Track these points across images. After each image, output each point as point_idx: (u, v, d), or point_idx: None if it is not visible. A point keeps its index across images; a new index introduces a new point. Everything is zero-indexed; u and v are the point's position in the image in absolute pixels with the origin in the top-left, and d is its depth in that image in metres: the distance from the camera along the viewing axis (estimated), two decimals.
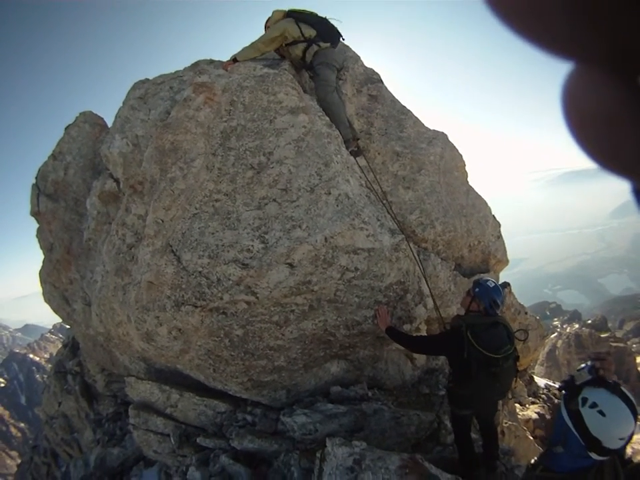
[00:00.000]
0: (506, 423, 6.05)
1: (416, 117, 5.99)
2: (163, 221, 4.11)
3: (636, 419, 1.91)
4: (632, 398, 1.95)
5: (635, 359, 38.32)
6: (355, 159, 4.72)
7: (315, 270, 3.93)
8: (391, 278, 4.33)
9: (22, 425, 35.89)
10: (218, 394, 4.87)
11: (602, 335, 38.70)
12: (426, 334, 5.10)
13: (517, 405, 7.29)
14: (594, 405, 1.90)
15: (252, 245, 3.84)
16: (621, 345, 38.28)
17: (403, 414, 4.48)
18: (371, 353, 4.79)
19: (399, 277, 4.41)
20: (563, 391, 2.00)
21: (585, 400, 1.91)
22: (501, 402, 4.18)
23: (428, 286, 4.73)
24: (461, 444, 4.25)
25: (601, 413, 1.88)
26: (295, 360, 4.42)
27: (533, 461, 2.59)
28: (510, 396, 5.73)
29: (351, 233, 3.91)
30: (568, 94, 0.29)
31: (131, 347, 4.93)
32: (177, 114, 4.27)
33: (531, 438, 6.85)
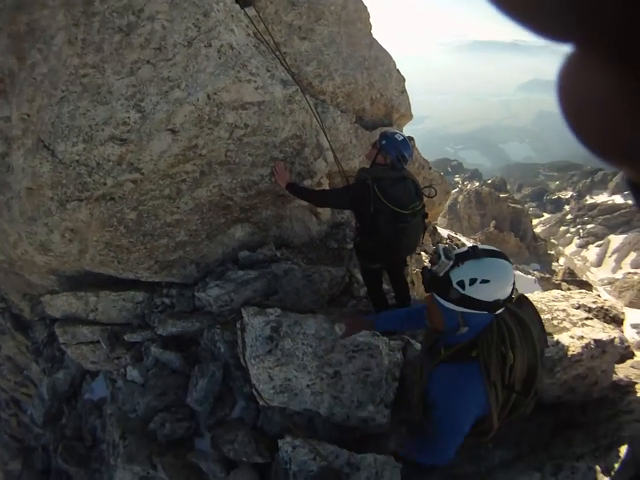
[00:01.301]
0: (414, 271, 6.42)
1: None
2: (29, 116, 3.54)
3: (505, 258, 1.94)
4: (484, 246, 1.98)
5: (530, 221, 42.38)
6: (242, 8, 4.19)
7: (200, 132, 3.60)
8: (285, 132, 4.09)
9: None
10: (132, 284, 4.69)
11: (501, 195, 42.00)
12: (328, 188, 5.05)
13: (423, 253, 7.73)
14: (473, 281, 1.85)
15: (128, 117, 3.40)
16: (519, 206, 41.91)
17: (314, 271, 4.52)
18: (273, 212, 4.71)
19: (295, 131, 4.18)
20: (433, 293, 1.94)
21: (461, 283, 1.85)
22: (409, 257, 4.30)
23: (327, 139, 4.55)
24: (374, 296, 4.39)
25: (484, 281, 1.85)
26: (197, 231, 4.25)
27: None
28: (417, 250, 6.00)
29: (237, 86, 3.55)
30: (564, 79, 0.28)
31: (34, 264, 4.52)
32: None
33: None
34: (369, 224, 3.68)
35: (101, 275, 4.53)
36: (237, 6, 3.99)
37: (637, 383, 3.88)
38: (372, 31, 6.05)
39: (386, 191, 3.49)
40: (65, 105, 3.46)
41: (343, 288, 4.77)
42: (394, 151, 3.61)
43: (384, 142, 3.65)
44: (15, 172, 3.77)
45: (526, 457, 3.38)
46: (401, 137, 3.67)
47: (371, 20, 5.99)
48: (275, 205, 4.63)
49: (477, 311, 1.89)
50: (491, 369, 1.99)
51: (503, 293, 1.89)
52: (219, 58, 3.49)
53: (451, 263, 1.86)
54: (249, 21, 4.10)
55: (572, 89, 0.28)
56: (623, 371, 4.08)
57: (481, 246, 1.97)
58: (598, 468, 3.18)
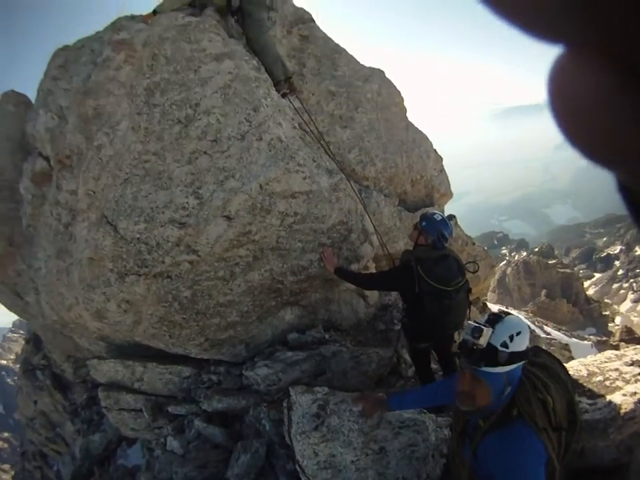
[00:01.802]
0: None
1: (350, 55, 5.83)
2: (94, 192, 3.89)
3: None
4: (494, 311, 2.10)
5: (582, 284, 40.73)
6: (289, 100, 4.56)
7: (253, 219, 3.83)
8: (332, 219, 4.27)
9: (5, 434, 34.48)
10: (180, 359, 4.80)
11: (549, 262, 40.76)
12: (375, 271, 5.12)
13: None
14: (511, 338, 1.93)
15: (187, 202, 3.70)
16: (568, 270, 40.52)
17: (362, 352, 4.53)
18: (322, 295, 4.79)
19: (341, 217, 4.36)
20: (477, 368, 1.99)
21: (504, 344, 1.92)
22: (456, 333, 4.29)
23: (372, 223, 4.70)
24: (422, 376, 4.33)
25: (518, 333, 1.95)
26: (248, 313, 4.37)
27: None
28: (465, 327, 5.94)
29: (287, 177, 3.81)
30: (555, 80, 0.27)
31: (86, 329, 4.74)
32: (97, 77, 3.97)
33: None
34: (415, 303, 3.73)
35: (150, 348, 4.65)
36: (284, 100, 4.36)
37: None
38: (407, 114, 6.33)
39: (429, 270, 3.58)
40: (128, 187, 3.79)
41: (391, 369, 4.75)
42: (434, 231, 3.73)
43: (424, 223, 3.79)
44: (78, 242, 4.03)
45: None
46: (440, 217, 3.79)
47: (405, 103, 6.32)
48: (324, 288, 4.72)
49: (519, 363, 1.96)
50: (536, 418, 1.99)
51: (528, 341, 2.01)
52: (269, 150, 3.80)
53: (491, 330, 1.91)
54: (294, 112, 4.43)
55: (563, 90, 0.27)
56: None
57: (492, 311, 2.09)
58: None
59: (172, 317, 4.13)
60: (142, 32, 4.13)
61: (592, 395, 3.57)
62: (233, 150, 3.77)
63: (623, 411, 3.30)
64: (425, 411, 3.59)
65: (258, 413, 4.21)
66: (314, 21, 5.83)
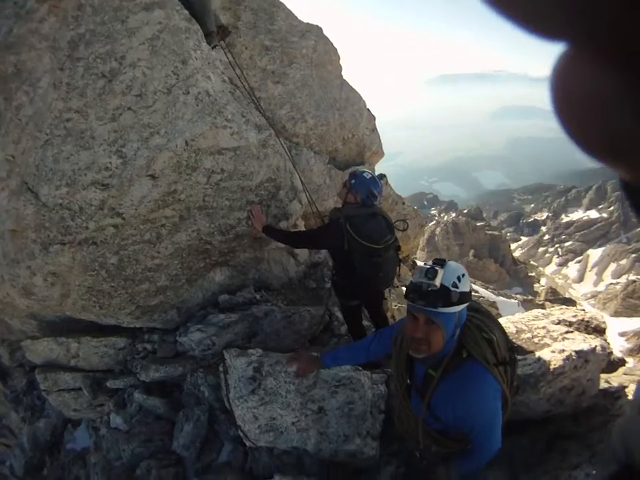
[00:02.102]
0: (396, 306, 6.47)
1: (289, 10, 5.61)
2: (14, 157, 3.56)
3: None
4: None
5: (509, 246, 43.08)
6: (225, 53, 4.35)
7: (179, 178, 3.67)
8: (260, 176, 4.18)
9: None
10: (114, 330, 4.64)
11: (477, 224, 42.76)
12: (304, 229, 5.11)
13: (404, 287, 7.81)
14: (459, 278, 1.99)
15: (110, 162, 3.46)
16: (496, 232, 42.68)
17: (294, 312, 4.56)
18: (251, 255, 4.74)
19: (270, 174, 4.28)
20: (435, 308, 1.94)
21: (455, 284, 1.97)
22: (387, 290, 4.37)
23: (301, 181, 4.65)
24: (355, 333, 4.44)
25: (463, 275, 2.02)
26: (177, 276, 4.25)
27: None
28: (396, 282, 6.10)
29: (214, 132, 3.65)
30: (558, 77, 0.27)
31: (16, 308, 4.44)
32: (18, 30, 3.52)
33: None
34: (345, 261, 3.76)
35: (82, 321, 4.48)
36: (214, 53, 4.13)
37: (626, 387, 3.93)
38: (342, 73, 6.25)
39: (358, 228, 3.58)
40: (49, 148, 3.50)
41: (324, 326, 4.80)
42: (363, 189, 3.71)
43: (353, 181, 3.76)
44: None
45: (521, 475, 3.38)
46: (369, 175, 3.78)
47: (341, 62, 6.22)
48: (253, 247, 4.67)
49: (466, 304, 2.01)
50: (487, 356, 2.07)
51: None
52: (197, 105, 3.60)
53: (443, 270, 1.94)
54: (226, 66, 4.24)
55: (565, 88, 0.27)
56: (616, 379, 4.14)
57: (435, 258, 2.12)
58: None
59: (100, 286, 3.94)
60: None
61: (521, 351, 3.77)
62: (159, 105, 3.54)
63: (552, 367, 3.52)
64: (360, 368, 3.67)
65: (195, 380, 4.16)
66: None
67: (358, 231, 3.58)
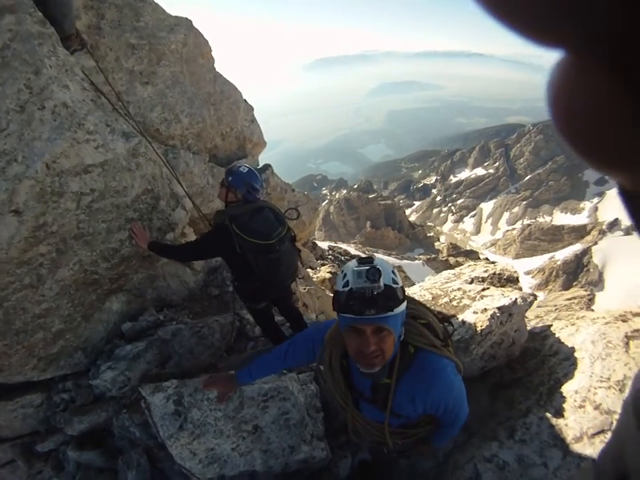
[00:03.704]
0: (305, 289, 6.40)
1: (156, 4, 5.18)
2: None
3: None
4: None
5: (403, 212, 45.37)
6: (93, 57, 3.94)
7: (46, 208, 3.19)
8: (135, 189, 3.81)
9: None
10: (27, 387, 4.11)
11: (369, 196, 44.43)
12: (194, 237, 4.81)
13: (309, 270, 7.78)
14: (394, 273, 1.81)
15: None
16: (389, 202, 44.67)
17: (202, 325, 4.34)
18: (144, 274, 4.38)
19: (145, 185, 3.92)
20: (389, 312, 1.70)
21: (395, 280, 1.77)
22: (293, 283, 4.22)
23: (181, 186, 4.35)
24: (269, 333, 4.27)
25: (394, 269, 1.85)
26: (70, 316, 3.80)
27: None
28: (300, 273, 6.03)
29: (76, 149, 3.20)
30: (556, 85, 0.27)
31: None
32: None
33: (331, 294, 7.52)
34: (241, 264, 3.54)
35: None
36: (72, 58, 3.64)
37: (551, 326, 4.13)
38: (215, 65, 6.00)
39: (245, 226, 3.37)
40: None
41: (237, 333, 4.61)
42: (242, 185, 3.50)
43: (230, 178, 3.55)
44: None
45: (477, 431, 3.45)
46: (246, 169, 3.57)
47: (212, 54, 5.95)
48: (144, 267, 4.32)
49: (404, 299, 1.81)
50: (433, 342, 1.97)
51: None
52: (54, 120, 3.13)
53: (381, 269, 1.70)
54: (85, 73, 3.79)
55: (564, 95, 0.27)
56: (532, 313, 4.33)
57: (359, 257, 1.90)
58: (548, 414, 3.34)
59: None
60: None
61: (443, 317, 3.85)
62: (13, 126, 3.00)
63: (479, 328, 3.58)
64: (285, 371, 3.53)
65: (122, 422, 3.84)
66: None
67: (245, 229, 3.36)
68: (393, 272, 1.76)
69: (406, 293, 1.86)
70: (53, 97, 3.16)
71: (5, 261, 3.15)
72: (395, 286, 1.71)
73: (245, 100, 6.49)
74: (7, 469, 4.30)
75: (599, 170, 0.29)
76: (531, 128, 72.72)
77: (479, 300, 3.99)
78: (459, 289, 4.30)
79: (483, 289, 4.17)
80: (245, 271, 3.56)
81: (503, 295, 3.93)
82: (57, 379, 4.21)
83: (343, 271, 1.79)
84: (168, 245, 4.06)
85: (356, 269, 1.70)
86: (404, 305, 1.77)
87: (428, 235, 42.26)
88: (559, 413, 3.28)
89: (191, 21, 5.58)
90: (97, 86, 3.87)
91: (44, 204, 3.17)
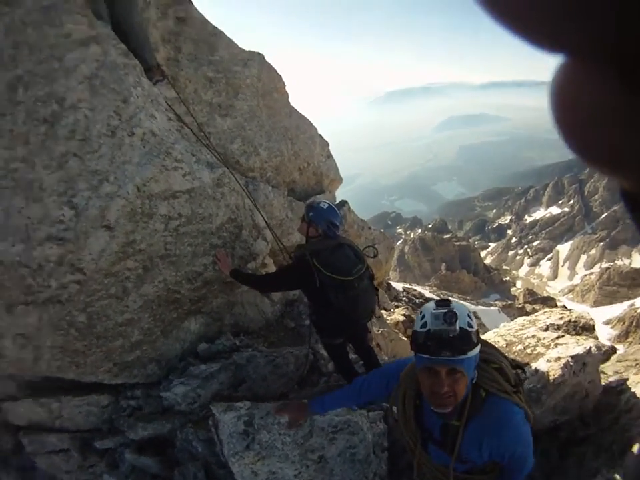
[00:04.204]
0: (378, 330, 6.32)
1: (229, 38, 5.54)
2: None
3: None
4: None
5: (479, 254, 43.97)
6: (171, 86, 4.23)
7: (135, 227, 3.47)
8: (220, 217, 4.02)
9: None
10: (96, 387, 4.34)
11: (444, 237, 43.51)
12: (274, 268, 4.94)
13: (383, 311, 7.68)
14: (470, 317, 1.86)
15: (62, 214, 3.23)
16: (464, 243, 43.52)
17: (277, 355, 4.39)
18: (224, 300, 4.53)
19: (229, 214, 4.12)
20: (463, 354, 1.78)
21: (470, 324, 1.82)
22: (369, 322, 4.21)
23: (262, 217, 4.50)
24: (342, 370, 4.24)
25: (470, 312, 1.89)
26: (150, 329, 4.03)
27: None
28: (377, 312, 5.97)
29: (165, 175, 3.48)
30: (558, 88, 0.28)
31: None
32: None
33: (405, 338, 7.33)
34: (320, 299, 3.57)
35: (62, 380, 4.17)
36: (156, 89, 3.98)
37: (627, 380, 3.85)
38: (289, 100, 6.22)
39: (326, 262, 3.41)
40: None
41: (310, 366, 4.62)
42: (322, 221, 3.57)
43: (311, 214, 3.62)
44: None
45: None
46: (326, 205, 3.64)
47: (287, 88, 6.19)
48: (225, 292, 4.47)
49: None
50: (505, 388, 1.96)
51: None
52: (143, 147, 3.43)
53: (457, 312, 1.78)
54: (169, 103, 4.11)
55: (565, 98, 0.27)
56: (611, 368, 4.07)
57: (437, 299, 1.96)
58: (617, 477, 3.11)
59: (73, 346, 3.69)
60: (3, 16, 3.54)
61: (517, 364, 3.72)
62: (104, 149, 3.34)
63: (552, 378, 3.43)
64: (356, 408, 3.51)
65: (187, 435, 3.92)
66: (191, 1, 5.43)
67: (326, 265, 3.41)
68: (468, 315, 1.81)
69: (480, 337, 1.90)
70: (141, 125, 3.49)
71: (94, 270, 3.44)
72: (470, 329, 1.77)
73: (320, 135, 6.65)
74: (61, 456, 4.49)
75: (602, 172, 0.29)
76: None
77: (553, 348, 3.83)
78: (533, 336, 4.15)
79: (558, 337, 4.00)
80: (324, 305, 3.59)
81: (577, 343, 3.75)
82: (127, 385, 4.40)
83: (421, 312, 1.86)
84: (249, 273, 4.20)
85: (434, 311, 1.78)
86: (478, 348, 1.81)
87: (504, 279, 40.59)
88: None
89: (263, 56, 5.86)
90: (179, 116, 4.18)
91: (134, 223, 3.46)
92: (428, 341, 1.75)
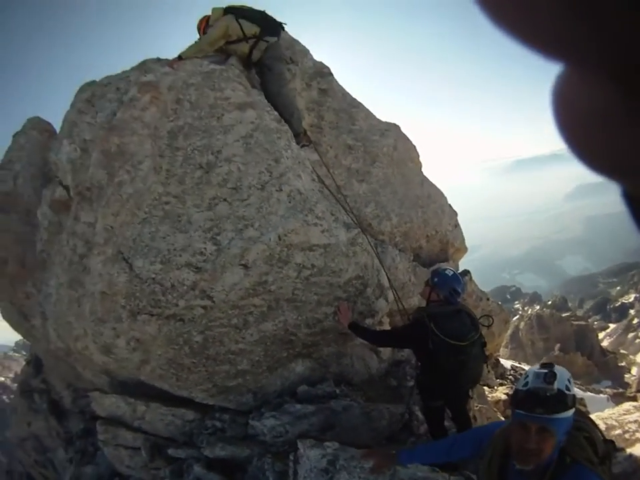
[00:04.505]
0: (476, 407, 6.15)
1: (367, 110, 6.00)
2: (112, 228, 3.95)
3: None
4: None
5: (596, 335, 40.05)
6: (316, 152, 4.67)
7: (270, 270, 3.85)
8: (349, 273, 4.28)
9: None
10: (184, 402, 4.72)
11: (563, 315, 40.20)
12: (389, 327, 5.08)
13: (485, 387, 7.40)
14: (569, 381, 1.92)
15: (204, 248, 3.74)
16: (583, 322, 39.90)
17: (373, 408, 4.46)
18: (334, 349, 4.75)
19: (358, 272, 4.37)
20: (555, 414, 1.85)
21: (567, 387, 1.88)
22: (472, 389, 4.21)
23: (388, 278, 4.71)
24: (435, 433, 4.24)
25: (570, 377, 1.93)
26: (259, 362, 4.33)
27: None
28: (481, 381, 5.84)
29: (305, 229, 3.85)
30: (558, 95, 0.28)
31: (91, 361, 4.69)
32: (122, 115, 4.10)
33: (503, 419, 7.00)
34: (429, 360, 3.69)
35: (154, 388, 4.59)
36: (303, 153, 4.45)
37: None
38: (422, 169, 6.46)
39: (442, 325, 3.55)
40: (146, 226, 3.83)
41: (403, 425, 4.64)
42: (446, 288, 3.73)
43: (436, 279, 3.80)
44: (92, 274, 4.03)
45: None
46: (452, 273, 3.81)
47: (420, 158, 6.44)
48: (337, 342, 4.68)
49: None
50: (591, 458, 1.95)
51: None
52: (289, 202, 3.85)
53: (558, 374, 1.86)
54: (313, 165, 4.53)
55: (566, 105, 0.28)
56: None
57: (541, 362, 2.05)
58: None
59: (181, 360, 4.10)
60: (168, 76, 4.27)
61: (610, 442, 3.50)
62: (253, 199, 3.83)
63: None
64: (437, 469, 3.47)
65: (262, 464, 4.06)
66: (332, 74, 6.01)
67: (442, 329, 3.54)
68: (568, 380, 1.87)
69: (576, 403, 1.93)
70: (289, 183, 3.93)
71: (223, 300, 3.85)
72: (567, 392, 1.83)
73: (449, 205, 6.79)
74: (128, 451, 4.81)
75: (603, 175, 0.29)
76: None
77: None
78: (635, 421, 3.86)
79: None
80: (432, 366, 3.71)
81: None
82: (217, 407, 4.67)
83: (526, 372, 1.97)
84: (367, 327, 4.39)
85: (537, 370, 1.89)
86: (571, 412, 1.85)
87: (619, 364, 36.38)
88: None
89: (399, 127, 6.19)
90: (321, 178, 4.57)
91: (270, 266, 3.85)
92: (524, 398, 1.84)
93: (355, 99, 5.93)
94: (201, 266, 3.72)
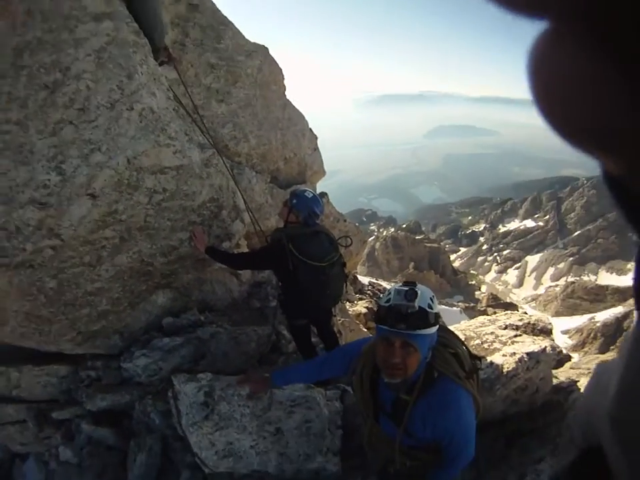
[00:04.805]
0: (340, 320, 6.53)
1: (237, 29, 5.61)
2: None
3: None
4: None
5: (448, 257, 44.58)
6: (177, 70, 4.30)
7: (120, 197, 3.53)
8: (203, 196, 4.12)
9: None
10: (55, 357, 4.37)
11: (416, 237, 44.00)
12: (247, 249, 5.09)
13: (347, 302, 7.87)
14: (432, 299, 2.01)
15: (48, 179, 3.25)
16: (435, 245, 44.05)
17: (240, 332, 4.51)
18: (194, 276, 4.63)
19: (212, 194, 4.23)
20: (416, 330, 1.92)
21: (430, 305, 1.98)
22: (335, 306, 4.40)
23: (244, 200, 4.64)
24: (304, 351, 4.43)
25: (433, 297, 2.04)
26: (118, 300, 4.08)
27: None
28: (343, 299, 6.16)
29: (157, 150, 3.56)
30: (537, 57, 0.25)
31: None
32: None
33: (365, 330, 7.59)
34: (291, 281, 3.76)
35: (23, 349, 4.20)
36: (160, 69, 4.04)
37: (578, 381, 4.12)
38: (286, 93, 6.34)
39: (301, 247, 3.61)
40: None
41: (271, 346, 4.78)
42: (305, 209, 3.77)
43: (294, 201, 3.81)
44: None
45: (487, 472, 3.46)
46: (311, 194, 3.84)
47: (285, 82, 6.31)
48: (196, 269, 4.57)
49: (438, 325, 2.01)
50: (457, 372, 2.11)
51: None
52: (140, 122, 3.50)
53: (419, 292, 1.93)
54: (170, 82, 4.15)
55: (545, 70, 0.25)
56: (564, 374, 4.30)
57: (404, 281, 2.12)
58: None
59: (39, 312, 3.71)
60: None
61: (474, 355, 3.94)
62: (101, 120, 3.38)
63: (505, 370, 3.66)
64: (313, 386, 3.68)
65: (144, 407, 3.99)
66: None
67: (301, 250, 3.60)
68: (431, 299, 1.98)
69: (440, 321, 2.07)
70: (141, 101, 3.54)
71: (72, 236, 3.48)
72: (429, 310, 1.94)
73: (310, 129, 6.82)
74: (16, 427, 4.51)
75: (582, 150, 0.27)
76: (585, 182, 70.23)
77: (509, 345, 4.06)
78: (491, 333, 4.38)
79: (515, 336, 4.24)
80: (294, 287, 3.78)
81: (533, 342, 4.00)
82: (88, 356, 4.44)
83: (388, 290, 2.05)
84: (224, 251, 4.33)
85: (398, 288, 1.97)
86: (434, 329, 1.98)
87: (470, 282, 41.33)
88: None
89: (267, 49, 5.96)
90: (178, 97, 4.25)
91: (119, 193, 3.52)
92: (388, 314, 1.92)
93: (226, 17, 5.47)
94: (46, 200, 3.26)
